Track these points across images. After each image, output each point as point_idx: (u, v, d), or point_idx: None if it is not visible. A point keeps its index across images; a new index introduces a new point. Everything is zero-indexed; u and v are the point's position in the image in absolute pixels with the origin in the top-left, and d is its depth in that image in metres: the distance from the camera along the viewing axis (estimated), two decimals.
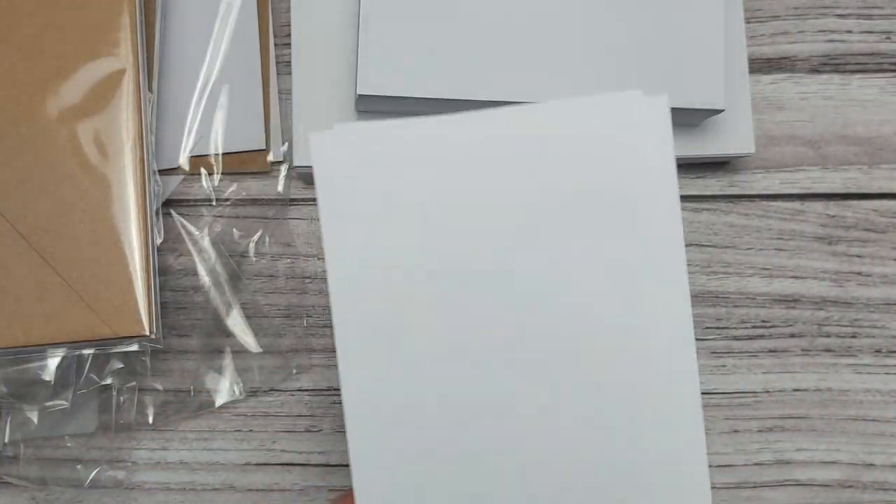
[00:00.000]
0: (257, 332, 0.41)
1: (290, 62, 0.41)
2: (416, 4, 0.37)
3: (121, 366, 0.39)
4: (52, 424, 0.39)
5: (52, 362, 0.37)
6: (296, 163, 0.40)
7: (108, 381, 0.39)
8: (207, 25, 0.42)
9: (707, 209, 0.43)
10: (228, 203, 0.41)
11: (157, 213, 0.38)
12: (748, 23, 0.43)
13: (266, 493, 0.40)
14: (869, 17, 0.44)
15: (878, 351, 0.42)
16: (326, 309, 0.41)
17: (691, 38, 0.39)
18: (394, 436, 0.24)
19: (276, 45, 0.42)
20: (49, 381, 0.37)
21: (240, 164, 0.41)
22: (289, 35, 0.41)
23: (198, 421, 0.40)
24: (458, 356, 0.24)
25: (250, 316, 0.41)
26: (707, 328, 0.42)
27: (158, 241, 0.38)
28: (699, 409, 0.25)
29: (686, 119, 0.40)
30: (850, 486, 0.41)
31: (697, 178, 0.43)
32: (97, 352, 0.37)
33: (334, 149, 0.24)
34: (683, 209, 0.43)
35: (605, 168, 0.24)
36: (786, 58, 0.44)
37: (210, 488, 0.40)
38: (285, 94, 0.42)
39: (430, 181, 0.25)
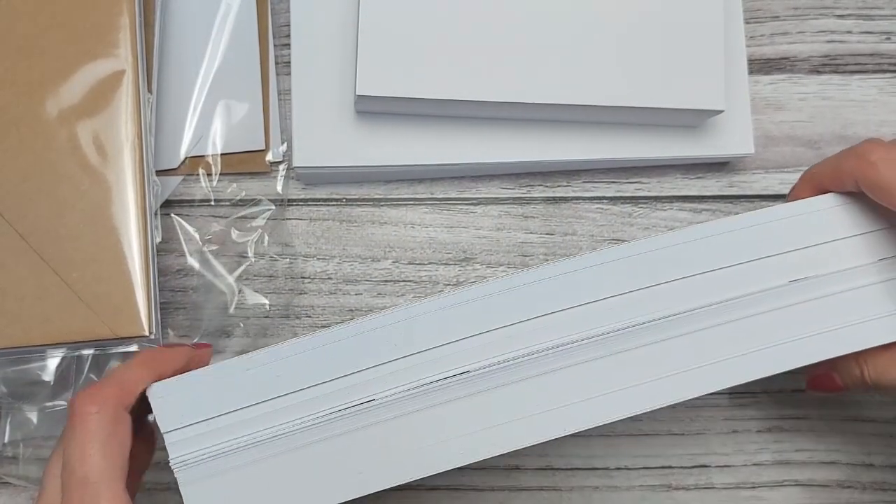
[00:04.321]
0: (256, 333, 0.41)
1: (289, 62, 0.41)
2: (415, 6, 0.37)
3: None
4: (51, 424, 0.39)
5: (52, 362, 0.37)
6: (295, 163, 0.40)
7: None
8: (207, 25, 0.42)
9: (707, 209, 0.43)
10: (227, 203, 0.41)
11: (156, 214, 0.38)
12: (748, 23, 0.43)
13: None
14: (869, 17, 0.44)
15: None
16: (326, 309, 0.41)
17: (691, 38, 0.39)
18: None
19: (275, 45, 0.42)
20: (49, 382, 0.37)
21: (239, 164, 0.41)
22: (289, 35, 0.41)
23: None
24: None
25: (249, 316, 0.41)
26: None
27: (157, 241, 0.38)
28: None
29: (686, 120, 0.40)
30: (849, 487, 0.41)
31: (697, 178, 0.43)
32: (97, 352, 0.37)
33: None
34: (683, 210, 0.43)
35: None
36: (785, 58, 0.44)
37: None
38: (285, 94, 0.42)
39: None
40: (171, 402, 0.30)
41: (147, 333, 0.35)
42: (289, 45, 0.41)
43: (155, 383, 0.30)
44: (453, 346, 0.31)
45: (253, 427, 0.30)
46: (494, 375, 0.31)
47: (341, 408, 0.31)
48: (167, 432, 0.30)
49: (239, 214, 0.41)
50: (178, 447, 0.30)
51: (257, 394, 0.31)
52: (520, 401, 0.31)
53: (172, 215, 0.41)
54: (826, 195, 0.33)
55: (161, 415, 0.30)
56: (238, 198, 0.42)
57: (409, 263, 0.42)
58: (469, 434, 0.31)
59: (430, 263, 0.42)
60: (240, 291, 0.41)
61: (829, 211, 0.33)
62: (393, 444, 0.31)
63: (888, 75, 0.44)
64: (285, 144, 0.42)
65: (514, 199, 0.43)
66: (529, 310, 0.31)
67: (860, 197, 0.32)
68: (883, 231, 0.33)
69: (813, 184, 0.34)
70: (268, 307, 0.41)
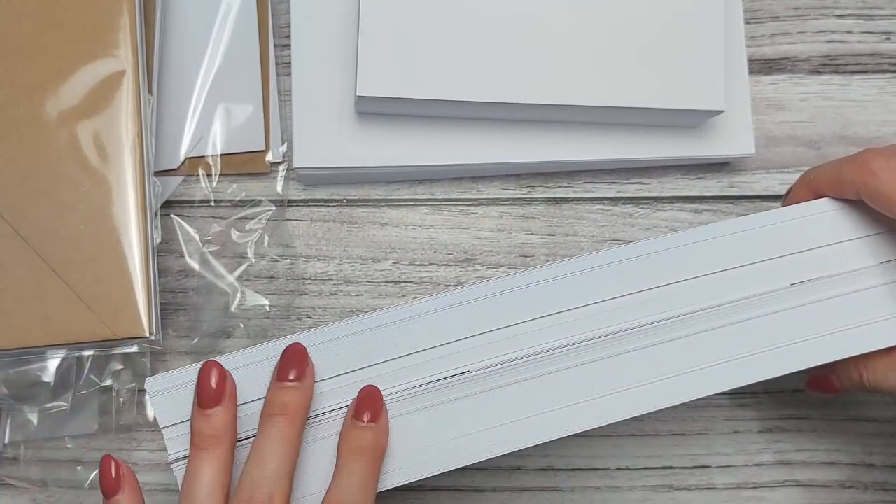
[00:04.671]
0: (257, 334, 0.41)
1: (290, 62, 0.41)
2: (415, 7, 0.37)
3: (121, 367, 0.39)
4: (52, 426, 0.39)
5: (52, 364, 0.37)
6: (295, 164, 0.40)
7: (108, 382, 0.38)
8: (207, 26, 0.42)
9: (707, 210, 0.43)
10: (228, 204, 0.41)
11: (156, 214, 0.38)
12: (748, 23, 0.43)
13: None
14: (869, 17, 0.44)
15: None
16: (326, 310, 0.41)
17: (692, 39, 0.39)
18: None
19: (276, 45, 0.42)
20: (49, 383, 0.37)
21: (239, 164, 0.41)
22: (289, 35, 0.41)
23: None
24: None
25: (250, 317, 0.41)
26: None
27: (157, 241, 0.38)
28: None
29: (686, 120, 0.40)
30: (850, 487, 0.41)
31: (698, 178, 0.43)
32: (97, 353, 0.37)
33: None
34: (683, 210, 0.43)
35: None
36: (786, 58, 0.44)
37: None
38: (285, 94, 0.42)
39: None
40: (168, 398, 0.30)
41: (147, 334, 0.35)
42: (289, 45, 0.41)
43: (150, 377, 0.31)
44: (454, 345, 0.31)
45: (249, 425, 0.30)
46: (495, 376, 0.31)
47: (337, 407, 0.31)
48: (165, 427, 0.30)
49: (239, 215, 0.41)
50: (177, 443, 0.30)
51: (252, 391, 0.31)
52: (521, 402, 0.31)
53: (172, 216, 0.41)
54: (825, 198, 0.33)
55: (159, 410, 0.30)
56: (238, 198, 0.41)
57: (410, 264, 0.42)
58: (469, 435, 0.31)
59: (430, 264, 0.42)
60: (240, 292, 0.41)
61: (830, 214, 0.33)
62: (393, 444, 0.31)
63: (889, 75, 0.44)
64: (285, 145, 0.42)
65: (515, 199, 0.43)
66: (533, 310, 0.31)
67: (859, 203, 0.32)
68: (884, 234, 0.33)
69: (811, 188, 0.34)
70: (268, 308, 0.41)
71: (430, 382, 0.31)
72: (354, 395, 0.31)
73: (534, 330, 0.31)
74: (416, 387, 0.31)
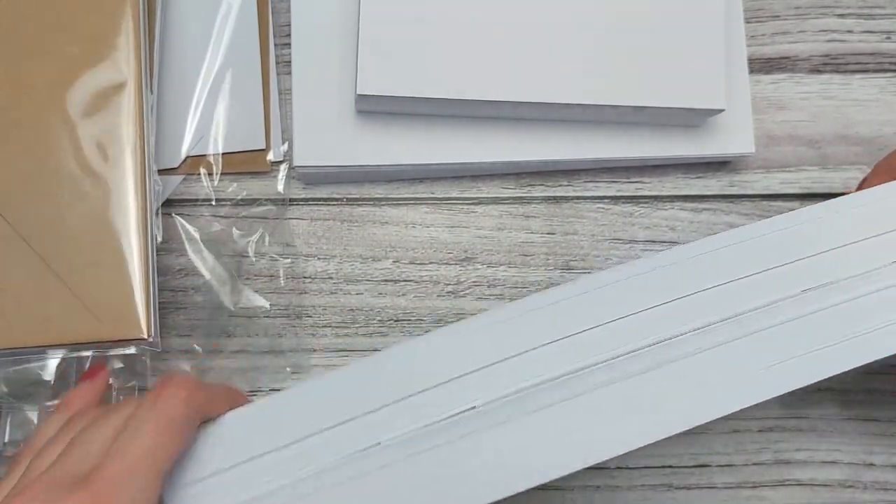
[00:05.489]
0: (257, 333, 0.41)
1: (290, 62, 0.41)
2: (416, 5, 0.37)
3: (121, 366, 0.39)
4: None
5: (53, 362, 0.37)
6: (296, 162, 0.40)
7: (109, 381, 0.38)
8: (207, 26, 0.42)
9: (707, 209, 0.43)
10: (228, 203, 0.41)
11: (156, 213, 0.38)
12: (748, 23, 0.43)
13: None
14: (869, 16, 0.44)
15: None
16: (326, 309, 0.41)
17: (692, 38, 0.39)
18: None
19: (276, 45, 0.42)
20: (49, 381, 0.37)
21: (240, 163, 0.41)
22: (289, 35, 0.41)
23: None
24: None
25: (250, 316, 0.41)
26: None
27: (158, 241, 0.38)
28: None
29: (686, 119, 0.40)
30: (850, 486, 0.41)
31: (698, 178, 0.43)
32: (96, 353, 0.37)
33: None
34: (683, 209, 0.43)
35: None
36: (786, 58, 0.44)
37: None
38: (285, 94, 0.42)
39: None
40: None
41: (146, 336, 0.35)
42: (289, 44, 0.41)
43: None
44: (460, 381, 0.29)
45: (260, 479, 0.29)
46: (504, 409, 0.29)
47: (347, 454, 0.29)
48: None
49: (240, 214, 0.41)
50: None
51: (261, 445, 0.29)
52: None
53: (173, 215, 0.41)
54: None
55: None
56: (239, 197, 0.41)
57: (410, 263, 0.42)
58: (475, 474, 0.29)
59: (430, 263, 0.42)
60: (240, 291, 0.41)
61: None
62: (403, 485, 0.29)
63: (889, 74, 0.44)
64: (286, 144, 0.42)
65: (515, 198, 0.43)
66: (544, 335, 0.30)
67: None
68: None
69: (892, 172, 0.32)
70: (269, 307, 0.41)
71: (437, 421, 0.29)
72: (359, 442, 0.29)
73: (544, 355, 0.29)
74: (423, 427, 0.29)
